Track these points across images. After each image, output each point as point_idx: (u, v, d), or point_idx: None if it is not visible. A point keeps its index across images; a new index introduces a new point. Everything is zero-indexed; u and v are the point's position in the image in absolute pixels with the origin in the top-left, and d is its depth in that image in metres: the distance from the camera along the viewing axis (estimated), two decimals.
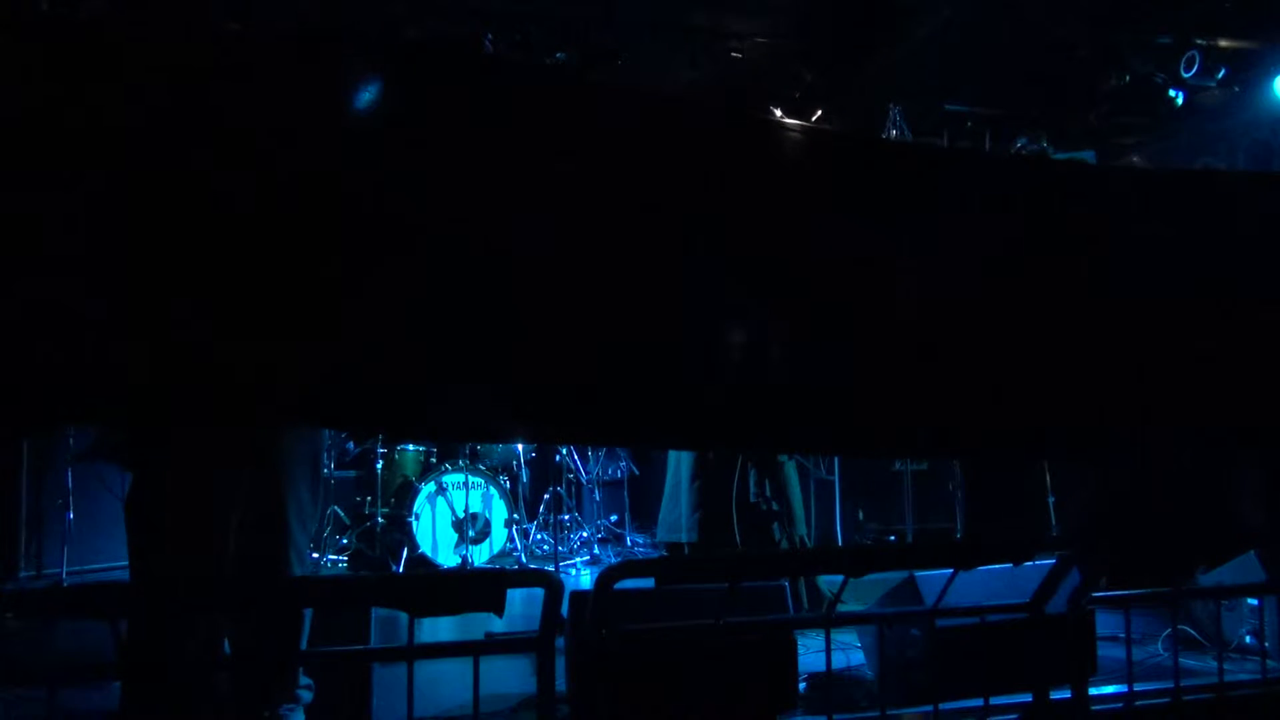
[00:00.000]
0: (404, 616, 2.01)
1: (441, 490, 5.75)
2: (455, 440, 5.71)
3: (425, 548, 5.62)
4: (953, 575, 2.39)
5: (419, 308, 1.93)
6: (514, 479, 6.28)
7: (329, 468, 5.75)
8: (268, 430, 2.59)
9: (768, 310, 2.20)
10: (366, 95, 2.00)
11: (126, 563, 2.43)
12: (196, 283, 1.78)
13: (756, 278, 2.19)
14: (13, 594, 3.45)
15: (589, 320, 2.05)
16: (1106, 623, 3.04)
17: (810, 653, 2.78)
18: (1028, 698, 2.53)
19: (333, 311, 1.87)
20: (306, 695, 2.69)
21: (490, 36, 5.28)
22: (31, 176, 1.72)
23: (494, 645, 2.10)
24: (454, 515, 5.72)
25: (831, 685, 2.87)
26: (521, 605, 3.66)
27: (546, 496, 6.40)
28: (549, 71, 4.80)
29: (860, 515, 6.22)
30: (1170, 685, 2.70)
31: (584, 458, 6.74)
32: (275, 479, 2.61)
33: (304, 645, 2.67)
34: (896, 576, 2.97)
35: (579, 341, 2.04)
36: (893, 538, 6.03)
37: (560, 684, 2.08)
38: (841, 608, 2.67)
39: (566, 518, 6.47)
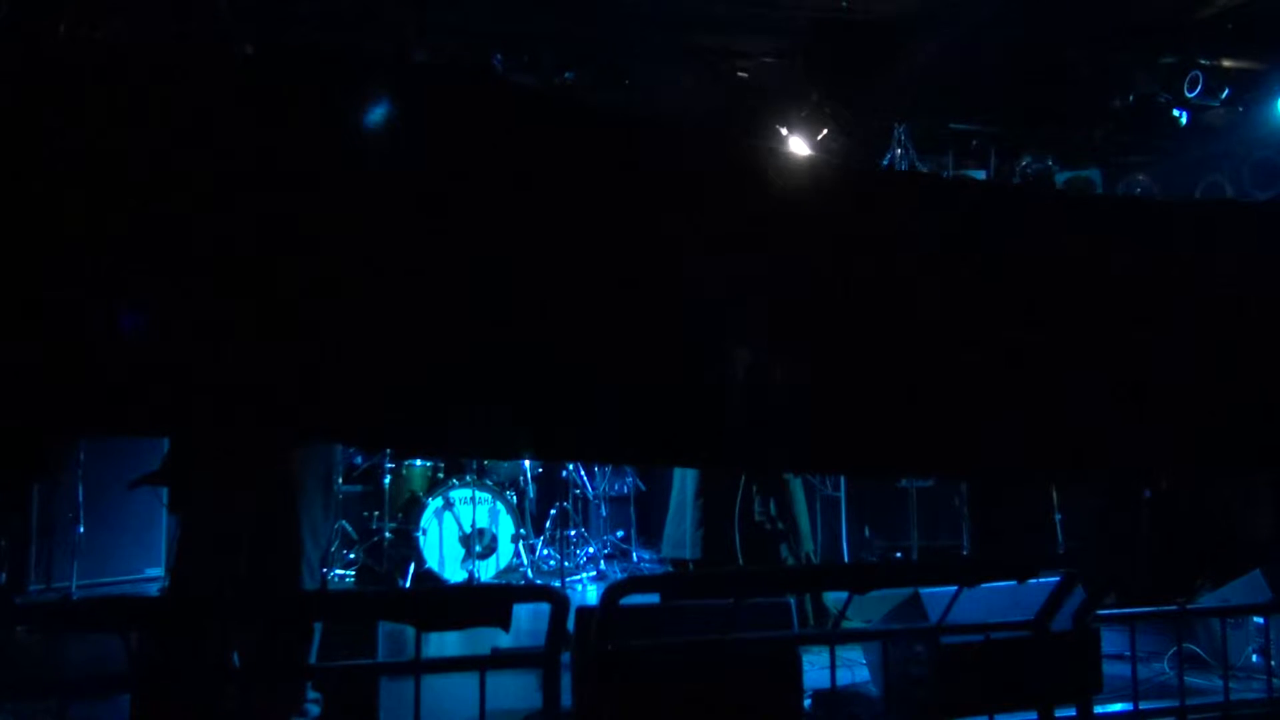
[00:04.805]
0: (411, 631, 2.02)
1: (449, 505, 5.77)
2: (468, 456, 5.74)
3: (432, 563, 5.63)
4: (957, 592, 2.40)
5: (433, 324, 1.96)
6: (521, 495, 6.29)
7: (336, 483, 5.78)
8: (283, 444, 2.62)
9: (776, 334, 2.22)
10: (376, 116, 2.03)
11: (136, 576, 2.46)
12: (217, 297, 1.81)
13: (765, 301, 2.21)
14: (23, 607, 3.47)
15: (602, 340, 2.07)
16: (1112, 640, 3.04)
17: (815, 669, 2.78)
18: (1033, 716, 2.53)
19: (350, 327, 1.90)
20: (314, 709, 2.70)
21: (499, 57, 5.34)
22: (49, 191, 1.76)
23: (500, 660, 2.12)
24: (461, 530, 5.73)
25: (836, 702, 2.88)
26: (528, 620, 3.67)
27: (553, 512, 6.42)
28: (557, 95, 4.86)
29: (867, 532, 6.21)
30: (1176, 704, 2.69)
31: (590, 474, 6.75)
32: (289, 493, 2.63)
33: (312, 659, 2.68)
34: (902, 593, 2.97)
35: (592, 360, 2.06)
36: (899, 555, 6.02)
37: (566, 699, 2.09)
38: (846, 624, 2.68)
39: (573, 533, 6.47)
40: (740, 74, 5.78)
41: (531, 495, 6.47)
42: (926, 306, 2.29)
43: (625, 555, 6.98)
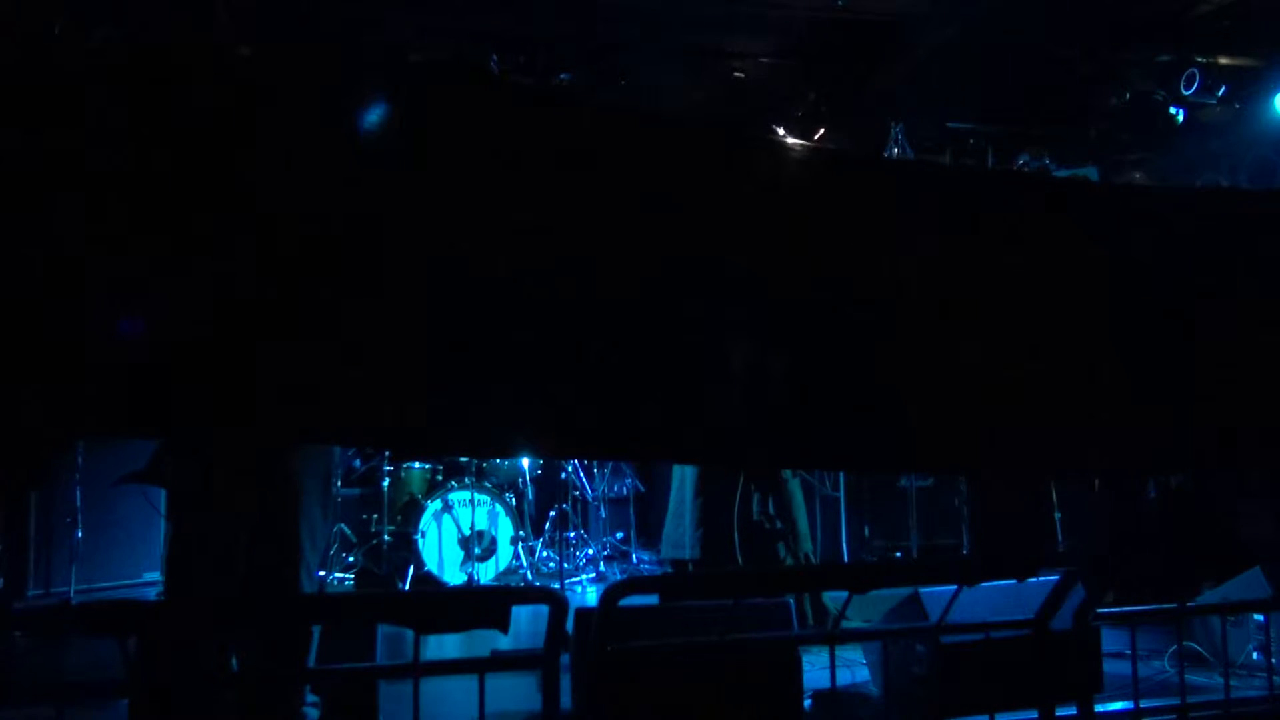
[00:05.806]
0: (410, 634, 2.01)
1: (448, 508, 5.76)
2: (470, 455, 5.72)
3: (431, 565, 5.62)
4: (957, 591, 2.39)
5: (433, 323, 1.95)
6: (520, 496, 6.29)
7: (335, 485, 5.77)
8: (282, 446, 2.61)
9: (778, 326, 2.22)
10: (373, 115, 2.03)
11: (134, 581, 2.45)
12: (216, 297, 1.81)
13: (765, 294, 2.21)
14: (21, 612, 3.46)
15: (603, 334, 2.07)
16: (1112, 639, 3.04)
17: (815, 669, 2.78)
18: (1033, 715, 2.53)
19: (351, 327, 1.90)
20: (313, 713, 2.69)
21: (495, 58, 5.33)
22: (48, 191, 1.76)
23: (499, 662, 2.11)
24: (460, 533, 5.72)
25: (836, 702, 2.88)
26: (527, 623, 3.66)
27: (552, 514, 6.41)
28: (555, 93, 4.86)
29: (867, 532, 6.21)
30: (1176, 702, 2.69)
31: (589, 475, 6.74)
32: (288, 495, 2.62)
33: (311, 662, 2.68)
34: (902, 593, 2.97)
35: (592, 357, 2.06)
36: (899, 554, 6.02)
37: (565, 701, 2.08)
38: (846, 624, 2.67)
39: (572, 535, 6.47)
40: (736, 74, 5.78)
41: (530, 497, 6.46)
42: (925, 300, 2.29)
43: (625, 556, 6.97)
